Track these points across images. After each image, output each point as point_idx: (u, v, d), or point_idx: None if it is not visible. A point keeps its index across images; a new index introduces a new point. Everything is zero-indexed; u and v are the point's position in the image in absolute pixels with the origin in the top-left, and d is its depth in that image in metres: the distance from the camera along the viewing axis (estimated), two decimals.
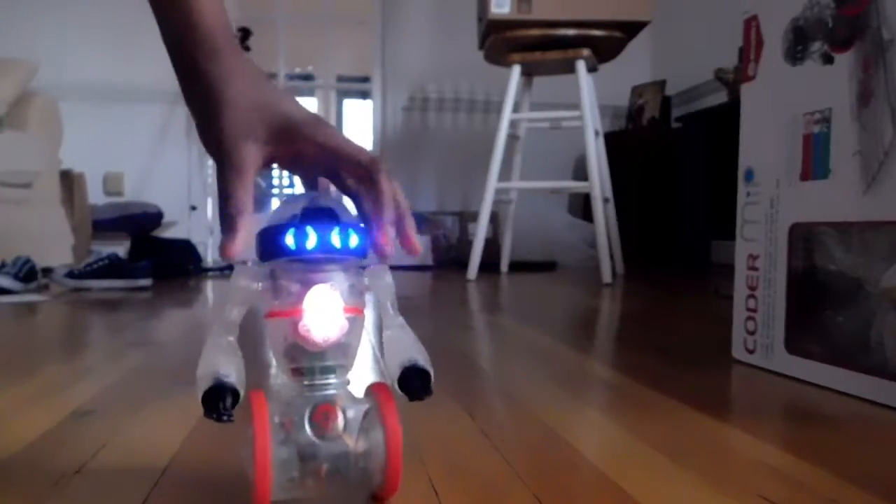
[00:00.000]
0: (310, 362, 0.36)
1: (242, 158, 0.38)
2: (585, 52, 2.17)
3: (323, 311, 0.35)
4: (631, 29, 2.20)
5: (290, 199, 0.38)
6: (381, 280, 0.39)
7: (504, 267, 2.63)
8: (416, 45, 3.49)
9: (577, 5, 2.13)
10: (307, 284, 0.36)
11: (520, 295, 1.78)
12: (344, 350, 0.37)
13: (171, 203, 3.17)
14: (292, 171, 0.43)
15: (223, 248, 0.36)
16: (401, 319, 0.40)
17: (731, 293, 0.85)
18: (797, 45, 0.75)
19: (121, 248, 2.37)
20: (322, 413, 0.36)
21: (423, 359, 0.38)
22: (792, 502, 0.41)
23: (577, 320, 1.32)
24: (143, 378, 0.75)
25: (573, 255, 3.20)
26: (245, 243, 0.36)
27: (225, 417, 0.34)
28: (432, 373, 0.37)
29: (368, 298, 0.39)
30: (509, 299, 1.67)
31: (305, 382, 0.36)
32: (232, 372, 0.35)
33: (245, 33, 3.02)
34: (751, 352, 0.82)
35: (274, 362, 0.39)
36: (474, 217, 2.36)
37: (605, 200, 2.42)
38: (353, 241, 0.35)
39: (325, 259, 0.35)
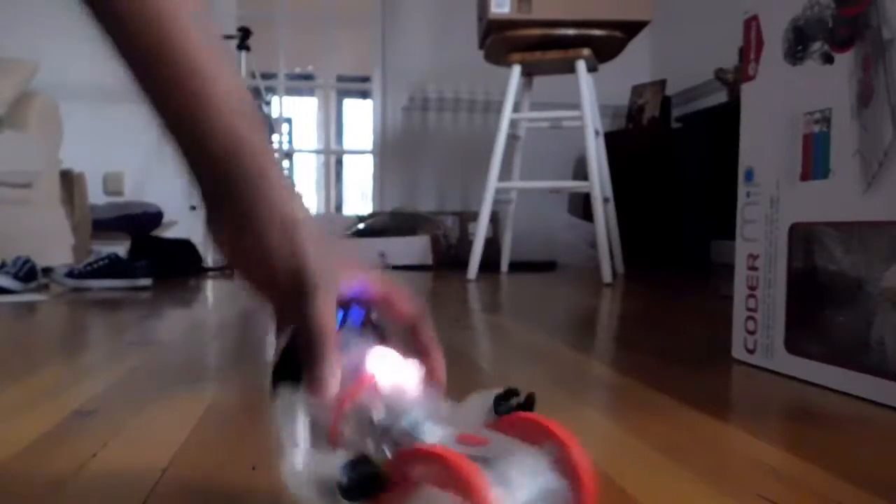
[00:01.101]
0: (401, 420, 0.33)
1: (331, 301, 0.35)
2: (585, 51, 2.17)
3: (392, 367, 0.35)
4: (631, 29, 2.20)
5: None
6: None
7: (504, 267, 2.63)
8: (416, 45, 3.49)
9: (577, 5, 2.13)
10: (355, 357, 0.35)
11: (520, 295, 1.78)
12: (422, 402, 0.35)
13: (171, 203, 3.17)
14: None
15: (320, 389, 0.33)
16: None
17: (731, 293, 0.85)
18: (797, 45, 0.75)
19: (121, 248, 2.37)
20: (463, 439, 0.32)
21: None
22: (792, 502, 0.41)
23: (577, 320, 1.32)
24: (143, 378, 0.75)
25: (573, 255, 3.20)
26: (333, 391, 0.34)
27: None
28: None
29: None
30: (509, 299, 1.67)
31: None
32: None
33: (245, 33, 3.02)
34: (751, 352, 0.82)
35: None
36: (474, 217, 2.36)
37: (605, 200, 2.42)
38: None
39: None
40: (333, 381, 0.33)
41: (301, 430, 0.32)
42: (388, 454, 0.30)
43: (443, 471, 0.26)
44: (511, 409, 0.32)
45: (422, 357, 0.38)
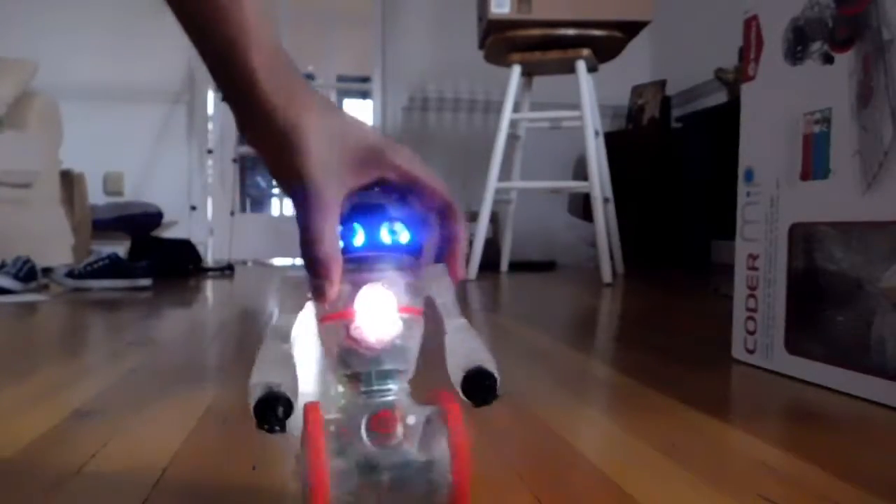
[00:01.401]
0: (365, 367, 0.34)
1: (328, 197, 0.35)
2: (585, 52, 2.17)
3: (375, 311, 0.34)
4: (631, 29, 2.20)
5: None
6: (440, 279, 0.37)
7: (504, 267, 2.63)
8: (416, 45, 3.49)
9: (577, 5, 2.13)
10: (358, 285, 0.34)
11: (520, 295, 1.78)
12: (401, 353, 0.34)
13: (171, 203, 3.17)
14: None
15: (321, 295, 0.34)
16: (463, 320, 0.37)
17: (731, 293, 0.85)
18: (797, 45, 0.75)
19: (121, 248, 2.37)
20: (379, 420, 0.33)
21: (488, 361, 0.35)
22: (792, 502, 0.41)
23: (577, 320, 1.32)
24: (143, 378, 0.75)
25: (573, 255, 3.20)
26: (336, 292, 0.34)
27: (277, 428, 0.32)
28: (498, 376, 0.35)
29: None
30: (509, 299, 1.67)
31: (362, 389, 0.34)
32: (285, 381, 0.33)
33: None
34: (751, 352, 0.82)
35: (329, 371, 0.36)
36: (474, 217, 2.36)
37: (605, 200, 2.42)
38: (404, 237, 0.34)
39: (375, 257, 0.34)
40: (334, 267, 0.34)
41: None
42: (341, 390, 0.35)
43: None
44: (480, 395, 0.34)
45: (449, 244, 0.37)
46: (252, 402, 0.32)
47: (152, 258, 2.05)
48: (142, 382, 0.73)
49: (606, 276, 2.07)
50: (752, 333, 0.81)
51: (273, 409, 0.31)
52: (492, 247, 2.72)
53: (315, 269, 0.34)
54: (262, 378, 0.33)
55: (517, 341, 1.02)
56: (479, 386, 0.34)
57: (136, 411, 0.61)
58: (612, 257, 2.25)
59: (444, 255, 0.38)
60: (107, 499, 0.41)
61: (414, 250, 0.35)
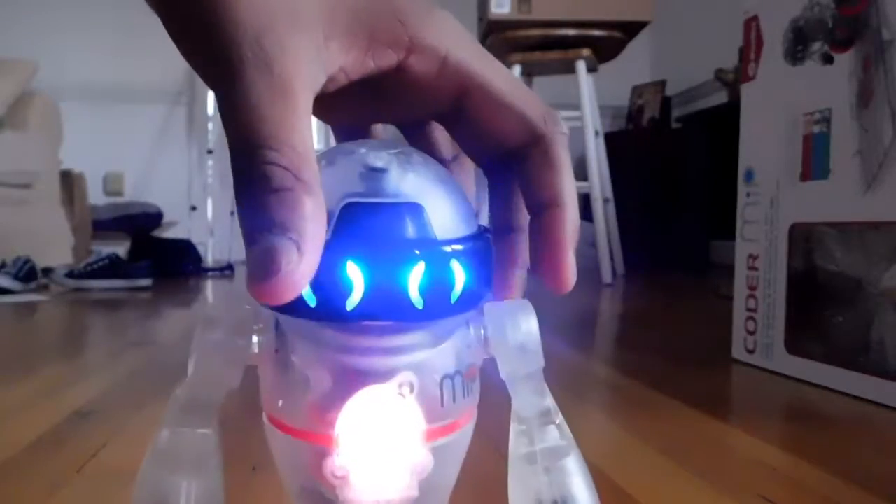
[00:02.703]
0: None
1: (290, 74, 0.17)
2: (585, 52, 2.17)
3: (377, 447, 0.17)
4: (631, 29, 2.20)
5: (330, 159, 0.18)
6: (514, 330, 0.19)
7: None
8: None
9: (577, 5, 2.13)
10: (348, 379, 0.17)
11: None
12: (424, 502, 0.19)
13: (171, 203, 3.17)
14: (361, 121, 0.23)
15: (262, 286, 0.15)
16: (547, 402, 0.20)
17: (731, 293, 0.85)
18: (797, 45, 0.75)
19: (121, 248, 2.37)
20: None
21: (588, 502, 0.20)
22: (792, 502, 0.41)
23: (577, 320, 1.32)
24: (143, 378, 0.75)
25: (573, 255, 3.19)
26: (313, 266, 0.15)
27: None
28: None
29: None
30: None
31: None
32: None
33: None
34: (751, 352, 0.82)
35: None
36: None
37: (605, 200, 2.42)
38: (459, 282, 0.17)
39: (385, 328, 0.17)
40: (305, 209, 0.15)
41: None
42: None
43: None
44: None
45: (545, 232, 0.21)
46: None
47: (152, 258, 2.05)
48: (142, 382, 0.73)
49: (606, 276, 2.07)
50: (752, 333, 0.81)
51: None
52: None
53: (261, 215, 0.15)
54: (151, 496, 0.19)
55: None
56: None
57: (136, 411, 0.60)
58: (612, 257, 2.25)
59: (536, 256, 0.21)
60: (107, 499, 0.41)
61: (476, 302, 0.18)
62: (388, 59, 0.19)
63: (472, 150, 0.22)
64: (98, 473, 0.45)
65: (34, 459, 0.48)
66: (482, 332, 0.19)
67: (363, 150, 0.17)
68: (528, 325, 0.19)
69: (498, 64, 0.21)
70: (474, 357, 0.19)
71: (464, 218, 0.17)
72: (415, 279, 0.16)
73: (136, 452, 0.49)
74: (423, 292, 0.16)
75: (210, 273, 2.52)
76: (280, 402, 0.18)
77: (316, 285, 0.16)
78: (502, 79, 0.20)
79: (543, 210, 0.20)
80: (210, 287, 2.02)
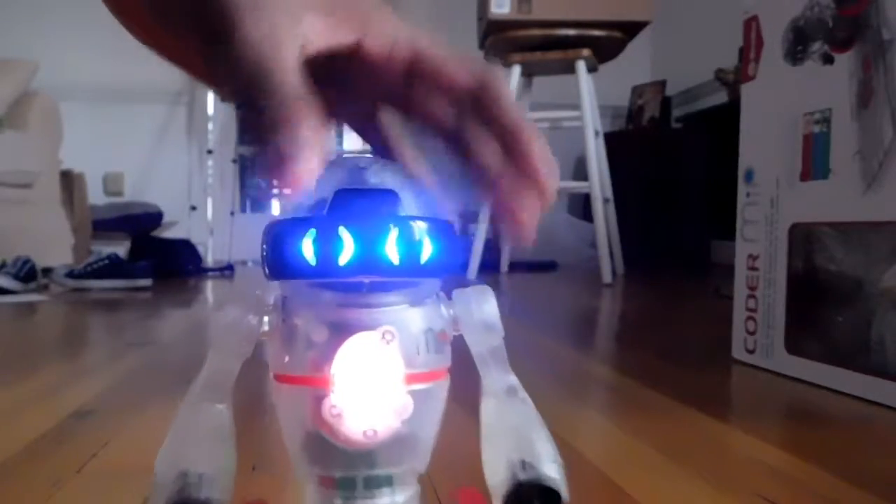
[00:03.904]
0: (346, 470, 0.22)
1: (281, 35, 0.20)
2: (585, 52, 2.17)
3: (365, 384, 0.20)
4: (631, 29, 2.20)
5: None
6: (479, 310, 0.23)
7: (504, 267, 2.63)
8: None
9: (577, 5, 2.13)
10: (341, 330, 0.20)
11: (520, 295, 1.78)
12: (409, 447, 0.22)
13: (171, 203, 3.17)
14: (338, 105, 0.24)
15: (283, 170, 0.19)
16: (511, 378, 0.24)
17: (731, 293, 0.85)
18: (797, 45, 0.75)
19: (121, 248, 2.37)
20: None
21: (549, 459, 0.23)
22: (792, 502, 0.41)
23: (577, 320, 1.32)
24: (143, 378, 0.75)
25: (573, 255, 3.20)
26: (316, 171, 0.20)
27: None
28: (566, 492, 0.23)
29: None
30: (509, 299, 1.67)
31: (339, 502, 0.22)
32: (210, 469, 0.22)
33: None
34: (751, 352, 0.82)
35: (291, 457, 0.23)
36: (474, 217, 2.36)
37: (605, 200, 2.42)
38: (427, 250, 0.20)
39: (373, 285, 0.21)
40: (294, 172, 0.19)
41: None
42: None
43: None
44: None
45: (509, 159, 0.23)
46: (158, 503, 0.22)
47: (152, 258, 2.05)
48: (142, 382, 0.73)
49: (606, 276, 2.07)
50: (752, 333, 0.81)
51: None
52: (492, 247, 2.72)
53: (271, 119, 0.19)
54: (173, 463, 0.22)
55: (517, 341, 1.02)
56: None
57: (136, 411, 0.61)
58: (612, 257, 2.25)
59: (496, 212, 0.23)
60: (107, 499, 0.41)
61: (443, 269, 0.21)
62: (347, 36, 0.22)
63: (426, 117, 0.24)
64: (98, 473, 0.45)
65: (34, 459, 0.48)
66: (451, 311, 0.23)
67: (350, 158, 0.22)
68: (489, 306, 0.23)
69: (442, 42, 0.24)
70: (445, 326, 0.22)
71: (428, 206, 0.21)
72: (391, 242, 0.19)
73: (136, 452, 0.49)
74: (398, 253, 0.20)
75: (210, 273, 2.52)
76: (286, 359, 0.21)
77: (316, 248, 0.20)
78: (445, 48, 0.23)
79: (508, 142, 0.22)
80: (210, 287, 2.02)
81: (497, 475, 0.22)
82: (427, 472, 0.23)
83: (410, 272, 0.20)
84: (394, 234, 0.20)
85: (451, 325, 0.23)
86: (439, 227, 0.20)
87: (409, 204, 0.21)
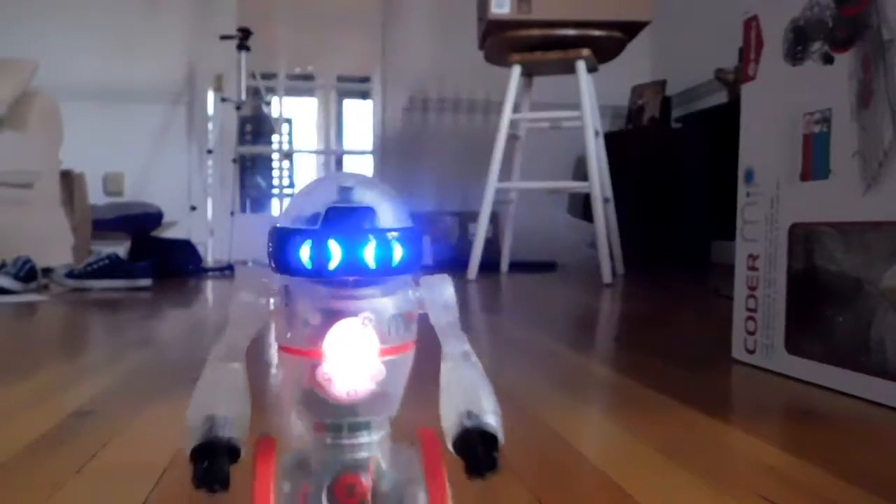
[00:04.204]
0: (334, 417, 0.28)
1: None
2: (585, 52, 2.17)
3: (349, 357, 0.27)
4: (631, 29, 2.20)
5: (315, 184, 0.29)
6: (439, 293, 0.30)
7: (504, 267, 2.63)
8: (416, 45, 3.49)
9: (577, 5, 2.13)
10: (331, 316, 0.27)
11: (520, 295, 1.78)
12: (382, 401, 0.28)
13: (171, 203, 3.17)
14: None
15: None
16: (464, 347, 0.30)
17: (731, 293, 0.85)
18: (797, 45, 0.75)
19: (121, 248, 2.37)
20: (346, 487, 0.28)
21: (490, 410, 0.28)
22: (792, 502, 0.41)
23: (577, 320, 1.32)
24: (143, 378, 0.75)
25: (573, 255, 3.20)
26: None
27: (217, 487, 0.26)
28: (502, 436, 0.28)
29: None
30: (509, 299, 1.67)
31: (328, 441, 0.28)
32: (232, 413, 0.27)
33: (245, 33, 3.02)
34: (751, 352, 0.82)
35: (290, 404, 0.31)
36: (474, 217, 2.36)
37: (605, 200, 2.42)
38: (397, 255, 0.27)
39: (356, 282, 0.27)
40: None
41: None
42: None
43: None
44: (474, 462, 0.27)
45: None
46: (189, 446, 0.26)
47: (152, 258, 2.05)
48: (142, 382, 0.73)
49: (606, 276, 2.07)
50: (752, 333, 0.81)
51: (216, 464, 0.26)
52: (492, 247, 2.72)
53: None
54: (201, 410, 0.27)
55: (517, 341, 1.02)
56: (475, 454, 0.27)
57: (136, 411, 0.61)
58: (612, 257, 2.25)
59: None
60: (107, 499, 0.41)
61: (409, 269, 0.27)
62: None
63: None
64: (98, 473, 0.45)
65: (34, 459, 0.48)
66: (418, 294, 0.29)
67: (340, 178, 0.28)
68: (448, 290, 0.30)
69: None
70: (412, 308, 0.29)
71: (400, 218, 0.27)
72: (369, 251, 0.26)
73: (136, 452, 0.49)
74: (375, 259, 0.26)
75: (210, 273, 2.52)
76: (288, 335, 0.28)
77: (312, 255, 0.26)
78: None
79: None
80: (210, 287, 2.02)
81: (449, 421, 0.28)
82: (395, 417, 0.29)
83: (384, 273, 0.27)
84: (371, 244, 0.26)
85: (418, 306, 0.29)
86: (407, 235, 0.27)
87: (385, 216, 0.27)
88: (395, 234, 0.27)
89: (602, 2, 2.13)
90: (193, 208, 3.25)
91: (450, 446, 0.28)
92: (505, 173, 2.38)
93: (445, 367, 0.30)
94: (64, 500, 0.41)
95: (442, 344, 0.30)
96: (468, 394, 0.29)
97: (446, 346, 0.30)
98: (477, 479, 0.27)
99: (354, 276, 0.27)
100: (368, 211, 0.27)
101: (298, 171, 4.86)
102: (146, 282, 1.92)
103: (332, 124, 4.69)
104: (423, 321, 0.30)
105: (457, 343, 0.30)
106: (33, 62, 2.57)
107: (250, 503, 0.28)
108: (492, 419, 0.28)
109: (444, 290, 0.30)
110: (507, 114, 2.23)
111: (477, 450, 0.27)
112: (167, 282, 2.10)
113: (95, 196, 3.01)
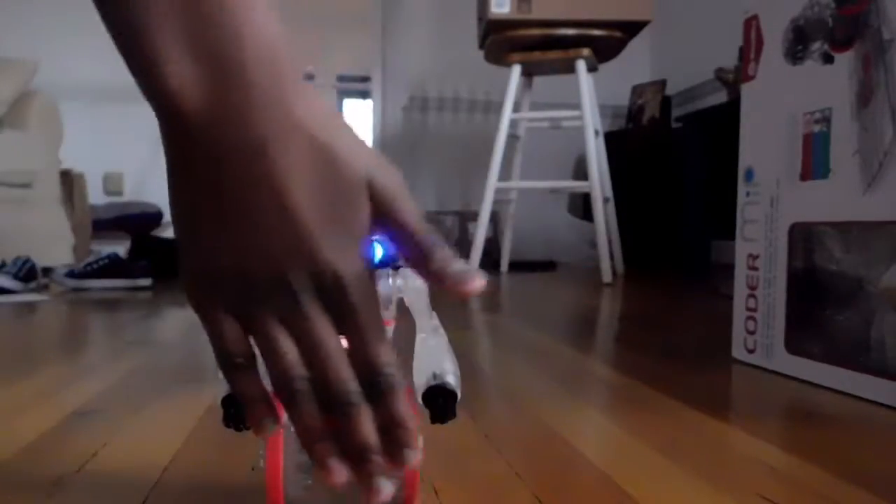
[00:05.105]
0: None
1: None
2: (585, 51, 2.17)
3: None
4: (631, 29, 2.20)
5: None
6: (414, 281, 0.37)
7: (504, 267, 2.63)
8: (416, 45, 3.49)
9: (577, 5, 2.13)
10: None
11: (520, 295, 1.78)
12: None
13: None
14: None
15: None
16: (435, 321, 0.38)
17: (731, 293, 0.85)
18: (797, 44, 0.75)
19: (121, 248, 2.37)
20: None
21: (452, 372, 0.35)
22: (792, 502, 0.41)
23: (577, 320, 1.31)
24: (143, 378, 0.75)
25: (573, 255, 3.20)
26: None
27: (244, 427, 0.32)
28: (459, 392, 0.35)
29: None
30: (509, 299, 1.67)
31: None
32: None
33: None
34: (751, 352, 0.82)
35: None
36: (474, 217, 2.36)
37: (605, 200, 2.42)
38: (377, 253, 0.34)
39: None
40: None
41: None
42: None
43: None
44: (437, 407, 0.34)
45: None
46: (220, 395, 0.32)
47: (152, 258, 2.05)
48: (142, 382, 0.73)
49: (606, 275, 2.08)
50: (752, 333, 0.81)
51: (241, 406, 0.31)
52: (492, 247, 2.72)
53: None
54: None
55: (517, 341, 1.02)
56: (437, 405, 0.34)
57: (136, 411, 0.61)
58: (612, 257, 2.25)
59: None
60: (107, 499, 0.41)
61: (388, 264, 0.34)
62: (370, 225, 0.33)
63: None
64: (98, 473, 0.45)
65: (34, 459, 0.48)
66: (397, 282, 0.36)
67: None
68: (420, 282, 0.36)
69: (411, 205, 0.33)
70: (392, 292, 0.36)
71: (387, 245, 0.34)
72: (377, 250, 0.33)
73: (136, 452, 0.49)
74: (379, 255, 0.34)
75: None
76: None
77: None
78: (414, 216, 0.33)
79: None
80: None
81: (418, 381, 0.35)
82: None
83: (372, 266, 0.33)
84: (378, 247, 0.34)
85: (396, 291, 0.36)
86: (388, 246, 0.34)
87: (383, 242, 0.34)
88: (375, 239, 0.34)
89: (602, 2, 2.13)
90: None
91: (419, 400, 0.35)
92: (505, 173, 2.39)
93: (419, 339, 0.37)
94: (64, 500, 0.41)
95: (416, 320, 0.38)
96: (434, 359, 0.35)
97: (419, 322, 0.37)
98: (439, 424, 0.34)
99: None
100: (376, 240, 0.34)
101: None
102: (146, 282, 1.92)
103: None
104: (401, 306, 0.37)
105: (427, 320, 0.37)
106: (33, 62, 2.57)
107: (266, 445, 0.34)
108: (452, 379, 0.34)
109: (416, 279, 0.36)
110: (506, 113, 2.23)
111: (439, 402, 0.34)
112: (167, 282, 2.10)
113: (95, 196, 3.01)
